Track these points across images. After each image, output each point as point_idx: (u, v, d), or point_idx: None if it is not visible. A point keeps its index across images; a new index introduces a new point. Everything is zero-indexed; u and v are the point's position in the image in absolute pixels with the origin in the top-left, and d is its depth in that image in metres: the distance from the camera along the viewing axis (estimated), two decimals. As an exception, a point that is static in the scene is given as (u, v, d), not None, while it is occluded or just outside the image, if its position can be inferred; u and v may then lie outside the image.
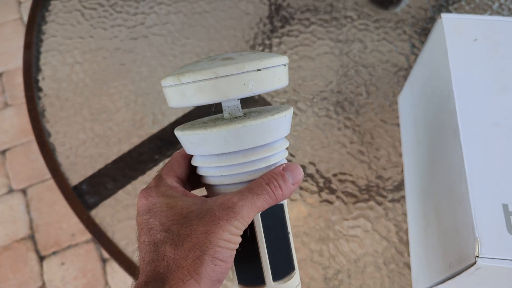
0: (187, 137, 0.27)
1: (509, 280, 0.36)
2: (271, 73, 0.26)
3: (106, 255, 1.07)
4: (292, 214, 0.50)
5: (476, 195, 0.34)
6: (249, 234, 0.28)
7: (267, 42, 0.61)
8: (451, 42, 0.41)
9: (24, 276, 1.11)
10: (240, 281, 0.30)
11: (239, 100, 0.29)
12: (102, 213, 0.50)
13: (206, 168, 0.28)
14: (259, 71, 0.26)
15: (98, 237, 0.48)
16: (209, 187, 0.30)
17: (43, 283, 1.09)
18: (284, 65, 0.28)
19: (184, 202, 0.26)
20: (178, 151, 0.31)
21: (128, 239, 0.49)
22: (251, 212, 0.25)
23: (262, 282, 0.29)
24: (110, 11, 0.64)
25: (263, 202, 0.26)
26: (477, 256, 0.32)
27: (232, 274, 0.30)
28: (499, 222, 0.33)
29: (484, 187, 0.34)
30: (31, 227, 1.17)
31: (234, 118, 0.28)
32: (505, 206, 0.34)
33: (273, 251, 0.29)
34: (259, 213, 0.28)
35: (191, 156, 0.30)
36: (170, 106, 0.29)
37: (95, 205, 0.51)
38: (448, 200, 0.38)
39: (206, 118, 0.32)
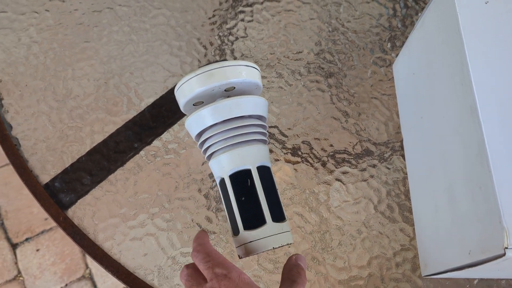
0: (200, 113, 0.37)
1: (534, 266, 0.34)
2: (254, 71, 0.39)
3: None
4: (290, 201, 0.46)
5: (500, 179, 0.31)
6: (249, 184, 0.37)
7: (247, 9, 0.55)
8: (461, 5, 0.37)
9: (-3, 266, 1.05)
10: (245, 227, 0.36)
11: None
12: (80, 213, 0.46)
13: (212, 137, 0.38)
14: (247, 67, 0.39)
15: (78, 241, 0.44)
16: (211, 157, 0.39)
17: (19, 272, 1.04)
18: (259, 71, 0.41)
19: None
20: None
21: (112, 240, 0.45)
22: None
23: (264, 221, 0.36)
24: (66, -21, 0.56)
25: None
26: (506, 248, 0.29)
27: (235, 225, 0.36)
28: (526, 208, 0.31)
29: (509, 169, 0.32)
30: (-1, 214, 1.10)
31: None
32: (531, 190, 0.31)
33: (268, 198, 0.37)
34: (256, 167, 0.37)
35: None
36: (189, 96, 0.38)
37: (71, 203, 0.46)
38: (465, 184, 0.35)
39: None
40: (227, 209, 0.38)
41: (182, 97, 0.39)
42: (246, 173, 0.37)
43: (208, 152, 0.39)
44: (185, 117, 0.49)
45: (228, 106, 0.37)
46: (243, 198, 0.36)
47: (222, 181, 0.38)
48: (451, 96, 0.38)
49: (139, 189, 0.46)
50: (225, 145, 0.37)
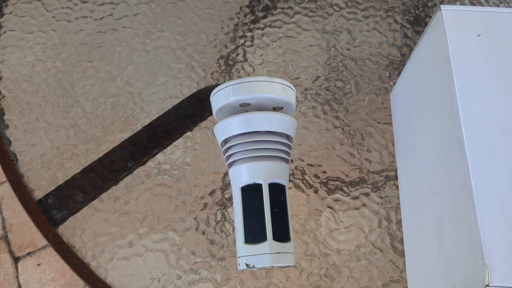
0: (228, 121, 0.39)
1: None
2: (289, 89, 0.41)
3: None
4: (279, 225, 0.46)
5: (484, 214, 0.31)
6: (282, 199, 0.39)
7: (248, 34, 0.56)
8: (452, 38, 0.37)
9: (-2, 279, 1.06)
10: (274, 238, 0.37)
11: None
12: (70, 230, 0.46)
13: (235, 146, 0.39)
14: (283, 85, 0.40)
15: (66, 258, 0.44)
16: (233, 164, 0.40)
17: (19, 286, 1.04)
18: (292, 88, 0.42)
19: None
20: None
21: (100, 259, 0.45)
22: None
23: (288, 238, 0.38)
24: (74, 0, 0.58)
25: None
26: (487, 286, 0.29)
27: (260, 234, 0.37)
28: (510, 245, 0.30)
29: (493, 205, 0.31)
30: (3, 227, 1.11)
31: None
32: (516, 226, 0.31)
33: (289, 216, 0.40)
34: (287, 185, 0.40)
35: None
36: (228, 101, 0.39)
37: (62, 220, 0.46)
38: (451, 217, 0.35)
39: None
40: (247, 217, 0.38)
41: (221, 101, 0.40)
42: (279, 187, 0.39)
43: (231, 159, 0.40)
44: (179, 139, 0.50)
45: (267, 119, 0.39)
46: (276, 210, 0.38)
47: (255, 187, 0.38)
48: (441, 128, 0.37)
49: (130, 209, 0.47)
50: (265, 155, 0.39)
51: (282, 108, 0.42)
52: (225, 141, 0.41)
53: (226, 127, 0.40)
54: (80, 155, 0.49)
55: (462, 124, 0.34)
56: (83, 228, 0.46)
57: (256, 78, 0.39)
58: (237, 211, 0.39)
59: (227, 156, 0.40)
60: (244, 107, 0.41)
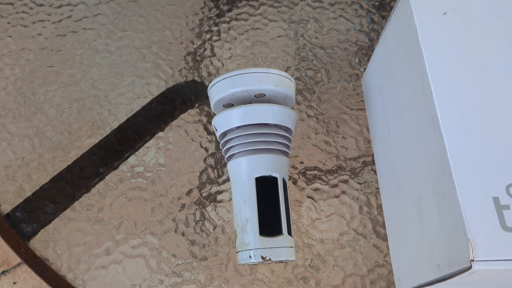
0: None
1: (505, 278, 0.33)
2: (284, 80, 0.40)
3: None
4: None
5: (463, 190, 0.31)
6: (286, 195, 0.39)
7: (214, 28, 0.55)
8: (420, 18, 0.37)
9: (-29, 302, 1.01)
10: (289, 232, 0.37)
11: None
12: (42, 243, 0.44)
13: (235, 138, 0.39)
14: (280, 76, 0.39)
15: (40, 272, 0.42)
16: (232, 157, 0.39)
17: (-5, 307, 1.00)
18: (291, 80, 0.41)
19: None
20: None
21: (76, 269, 0.43)
22: None
23: (291, 233, 0.38)
24: (30, 4, 0.55)
25: None
26: (472, 260, 0.29)
27: (274, 226, 0.37)
28: (492, 219, 0.30)
29: (471, 181, 0.31)
30: (-26, 248, 1.06)
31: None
32: (495, 200, 0.31)
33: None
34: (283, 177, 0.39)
35: None
36: (227, 92, 0.39)
37: (33, 233, 0.44)
38: (431, 196, 0.35)
39: None
40: (262, 209, 0.37)
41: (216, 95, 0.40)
42: (284, 182, 0.39)
43: (230, 153, 0.39)
44: (151, 140, 0.48)
45: (267, 111, 0.38)
46: (286, 205, 0.38)
47: (270, 180, 0.38)
48: (414, 108, 0.37)
49: (105, 216, 0.45)
50: (281, 149, 0.39)
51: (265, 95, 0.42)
52: (232, 130, 0.40)
53: (248, 113, 0.38)
54: (47, 164, 0.47)
55: (436, 102, 0.33)
56: (56, 239, 0.44)
57: (279, 72, 0.39)
58: (250, 202, 0.37)
59: (239, 144, 0.39)
60: (258, 98, 0.40)
